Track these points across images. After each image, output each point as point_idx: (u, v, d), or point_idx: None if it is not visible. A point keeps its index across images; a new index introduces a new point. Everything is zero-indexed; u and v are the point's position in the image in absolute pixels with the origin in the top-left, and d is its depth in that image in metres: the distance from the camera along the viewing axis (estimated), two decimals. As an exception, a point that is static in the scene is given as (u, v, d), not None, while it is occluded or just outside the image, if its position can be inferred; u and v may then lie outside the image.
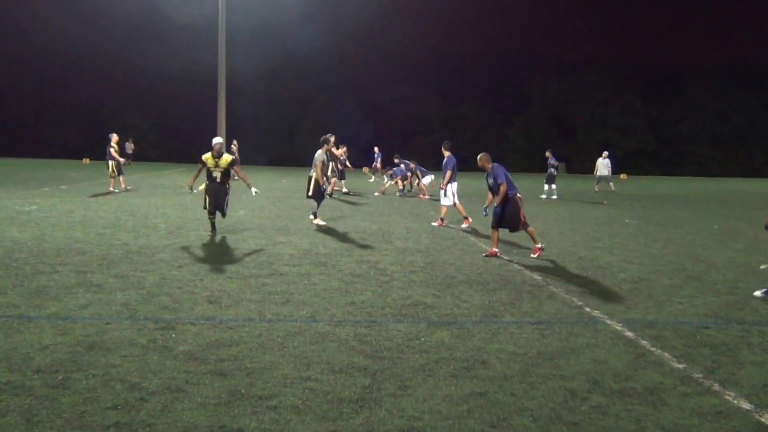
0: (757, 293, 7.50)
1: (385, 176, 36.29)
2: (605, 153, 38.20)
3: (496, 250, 14.04)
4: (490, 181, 14.05)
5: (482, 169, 14.41)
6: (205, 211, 15.95)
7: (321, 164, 18.46)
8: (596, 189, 38.70)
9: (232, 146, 45.54)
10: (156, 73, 77.09)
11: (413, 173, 32.93)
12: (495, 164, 14.12)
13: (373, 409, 5.66)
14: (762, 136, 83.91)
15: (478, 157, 14.49)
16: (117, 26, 78.63)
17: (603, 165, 37.88)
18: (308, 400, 5.80)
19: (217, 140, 15.92)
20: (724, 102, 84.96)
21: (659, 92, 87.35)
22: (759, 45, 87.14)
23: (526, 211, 14.30)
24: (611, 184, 39.31)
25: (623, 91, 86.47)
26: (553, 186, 33.59)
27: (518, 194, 13.91)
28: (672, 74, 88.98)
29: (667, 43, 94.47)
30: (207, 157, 15.73)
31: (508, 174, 14.01)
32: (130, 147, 59.31)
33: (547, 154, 34.32)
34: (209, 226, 16.00)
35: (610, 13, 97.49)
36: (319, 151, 18.56)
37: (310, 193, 18.50)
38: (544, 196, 32.85)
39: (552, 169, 33.62)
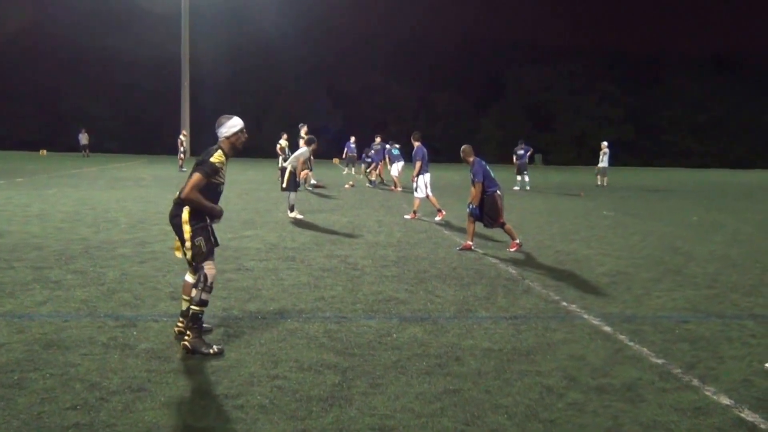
0: None
1: (362, 165, 36.24)
2: (604, 143, 38.16)
3: (471, 243, 14.06)
4: (470, 176, 14.03)
5: (464, 162, 14.41)
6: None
7: (303, 160, 18.81)
8: (597, 182, 38.49)
9: (181, 136, 45.15)
10: (116, 62, 76.55)
11: (384, 157, 33.00)
12: (476, 159, 14.07)
13: (343, 407, 5.66)
14: (743, 126, 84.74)
15: (461, 149, 14.47)
16: (75, 11, 77.81)
17: (601, 156, 37.95)
18: (276, 399, 5.78)
19: (239, 123, 7.46)
20: (704, 91, 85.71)
21: (638, 81, 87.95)
22: (739, 33, 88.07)
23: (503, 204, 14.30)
24: (604, 177, 38.51)
25: (601, 80, 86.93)
26: (526, 177, 33.91)
27: (498, 192, 13.89)
28: (650, 62, 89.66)
29: (645, 31, 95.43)
30: (220, 158, 7.24)
31: (489, 170, 13.94)
32: (84, 138, 58.77)
33: (521, 144, 34.72)
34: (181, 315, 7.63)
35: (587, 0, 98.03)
36: (305, 149, 19.09)
37: (284, 185, 18.59)
38: (517, 188, 33.13)
39: (524, 159, 34.11)
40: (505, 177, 34.39)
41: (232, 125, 7.36)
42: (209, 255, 7.17)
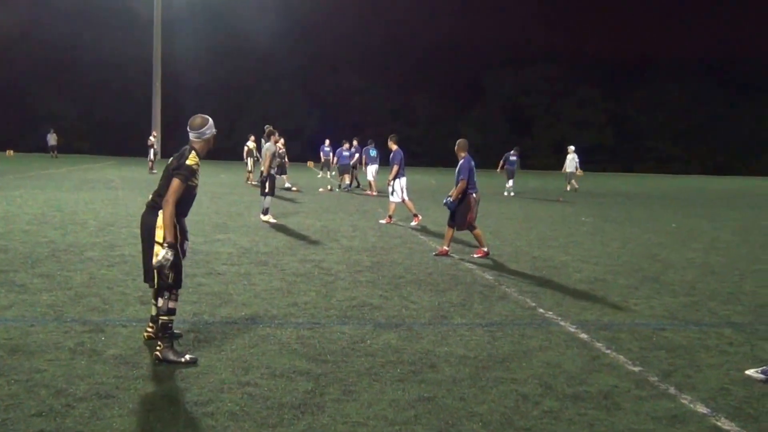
0: (751, 372, 7.01)
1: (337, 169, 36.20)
2: (570, 148, 38.32)
3: (447, 248, 14.08)
4: (456, 171, 14.03)
5: (456, 155, 14.39)
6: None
7: (271, 156, 18.59)
8: (566, 188, 38.69)
9: (151, 138, 44.92)
10: (86, 60, 75.87)
11: (361, 158, 33.06)
12: (467, 156, 14.08)
13: (315, 414, 5.66)
14: (725, 132, 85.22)
15: (457, 141, 14.43)
16: (43, 10, 77.15)
17: (568, 161, 38.13)
18: (247, 406, 5.78)
19: (212, 123, 7.31)
20: (686, 96, 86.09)
21: (618, 85, 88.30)
22: (722, 38, 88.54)
23: (481, 210, 14.32)
24: (573, 182, 38.94)
25: (581, 83, 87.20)
26: (510, 183, 34.10)
27: (474, 195, 13.93)
28: (632, 67, 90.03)
29: (626, 34, 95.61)
30: (195, 159, 7.08)
31: (474, 171, 14.00)
32: (53, 138, 58.62)
33: (514, 151, 34.81)
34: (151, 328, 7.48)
35: (568, 2, 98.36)
36: (269, 144, 18.87)
37: (266, 190, 18.50)
38: (513, 194, 33.38)
39: (514, 166, 34.25)
40: (490, 182, 34.62)
41: (208, 126, 7.16)
42: (174, 286, 6.97)
